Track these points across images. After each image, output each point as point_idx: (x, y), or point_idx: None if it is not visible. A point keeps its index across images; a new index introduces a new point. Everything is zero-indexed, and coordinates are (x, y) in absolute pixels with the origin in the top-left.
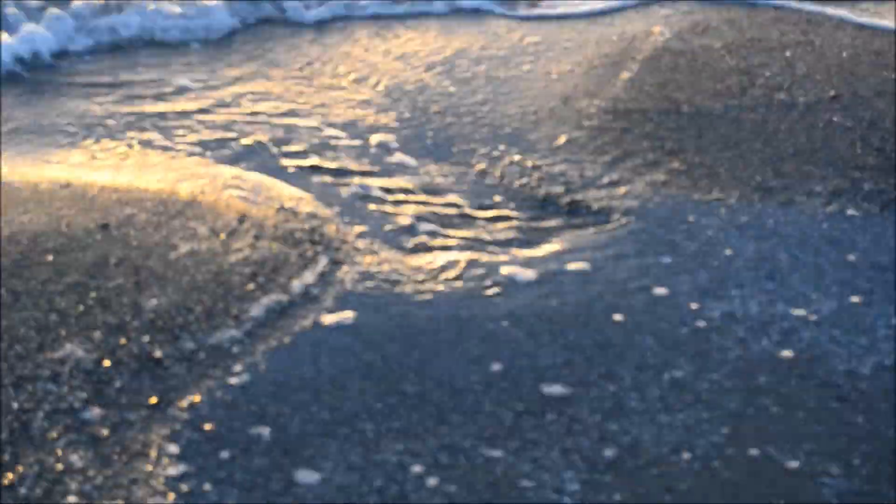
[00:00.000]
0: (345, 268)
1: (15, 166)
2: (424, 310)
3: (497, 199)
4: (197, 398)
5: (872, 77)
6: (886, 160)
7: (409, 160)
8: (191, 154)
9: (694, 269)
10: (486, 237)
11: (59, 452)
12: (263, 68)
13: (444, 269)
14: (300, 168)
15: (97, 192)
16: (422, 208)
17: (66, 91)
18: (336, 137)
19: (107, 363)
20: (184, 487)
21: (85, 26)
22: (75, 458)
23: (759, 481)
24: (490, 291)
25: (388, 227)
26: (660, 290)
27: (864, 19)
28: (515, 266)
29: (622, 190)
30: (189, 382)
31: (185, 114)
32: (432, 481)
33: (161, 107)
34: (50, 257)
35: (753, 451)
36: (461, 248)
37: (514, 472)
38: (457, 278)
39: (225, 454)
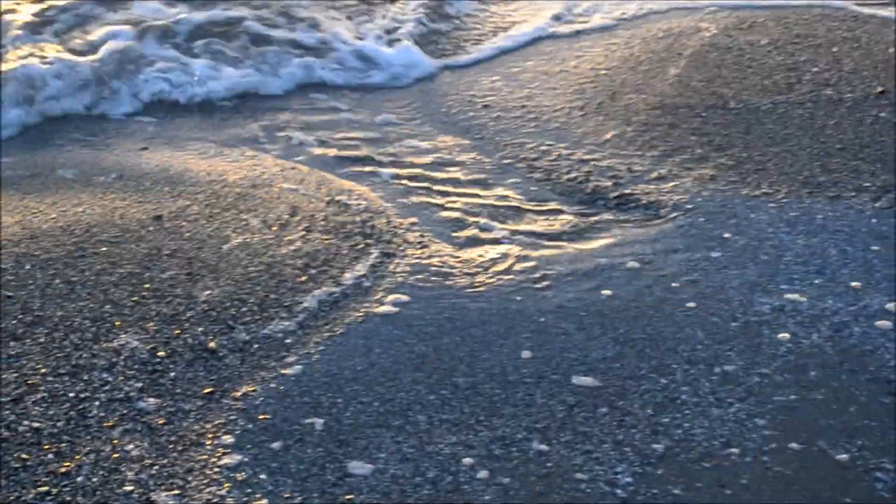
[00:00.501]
0: (396, 260)
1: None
2: (475, 302)
3: (546, 192)
4: (251, 389)
5: None
6: None
7: (459, 154)
8: (244, 147)
9: (743, 263)
10: (536, 230)
11: (115, 441)
12: None
13: (494, 261)
14: (351, 161)
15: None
16: (472, 201)
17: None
18: (386, 131)
19: (161, 353)
20: (238, 477)
21: None
22: (131, 447)
23: (811, 475)
24: (540, 284)
25: (438, 220)
26: (710, 285)
27: None
28: (565, 259)
29: (670, 185)
30: (243, 373)
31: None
32: (485, 473)
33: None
34: (104, 248)
35: (805, 446)
36: (511, 241)
37: (567, 464)
38: (507, 271)
39: (279, 445)
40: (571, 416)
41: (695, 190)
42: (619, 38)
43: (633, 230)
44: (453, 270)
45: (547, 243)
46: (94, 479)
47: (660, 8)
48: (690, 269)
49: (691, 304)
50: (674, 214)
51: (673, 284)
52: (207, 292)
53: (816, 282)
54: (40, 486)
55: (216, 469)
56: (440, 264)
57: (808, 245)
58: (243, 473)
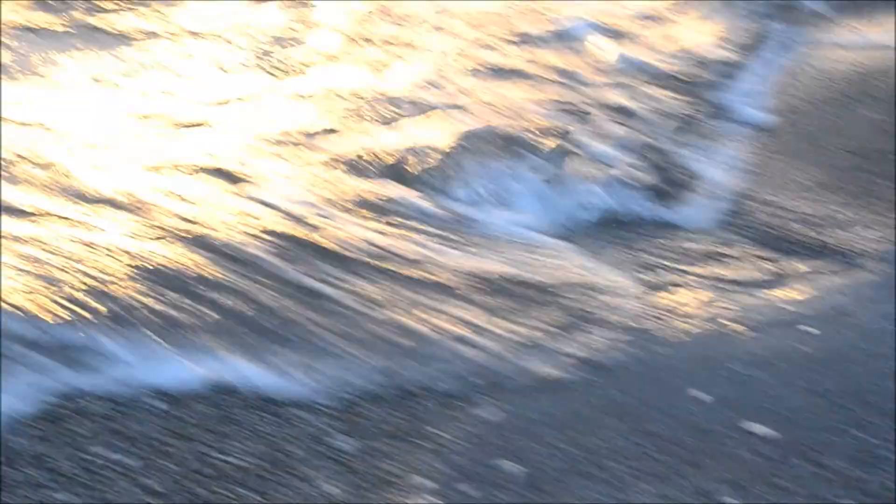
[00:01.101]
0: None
1: None
2: (665, 347)
3: (739, 237)
4: (447, 431)
5: None
6: None
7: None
8: None
9: None
10: (731, 276)
11: (312, 480)
12: None
13: (688, 307)
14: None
15: None
16: (662, 243)
17: None
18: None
19: (358, 392)
20: None
21: None
22: (328, 486)
23: None
24: (736, 331)
25: (627, 263)
26: None
27: None
28: (758, 306)
29: (868, 232)
30: (440, 415)
31: None
32: None
33: None
34: None
35: None
36: (705, 286)
37: None
38: (697, 316)
39: (473, 488)
40: (765, 467)
41: (891, 238)
42: (806, 75)
43: (829, 278)
44: (646, 315)
45: (739, 289)
46: None
47: (841, 43)
48: (887, 319)
49: (888, 356)
50: (872, 263)
51: (869, 335)
52: None
53: None
54: None
55: None
56: (633, 308)
57: None
58: None
